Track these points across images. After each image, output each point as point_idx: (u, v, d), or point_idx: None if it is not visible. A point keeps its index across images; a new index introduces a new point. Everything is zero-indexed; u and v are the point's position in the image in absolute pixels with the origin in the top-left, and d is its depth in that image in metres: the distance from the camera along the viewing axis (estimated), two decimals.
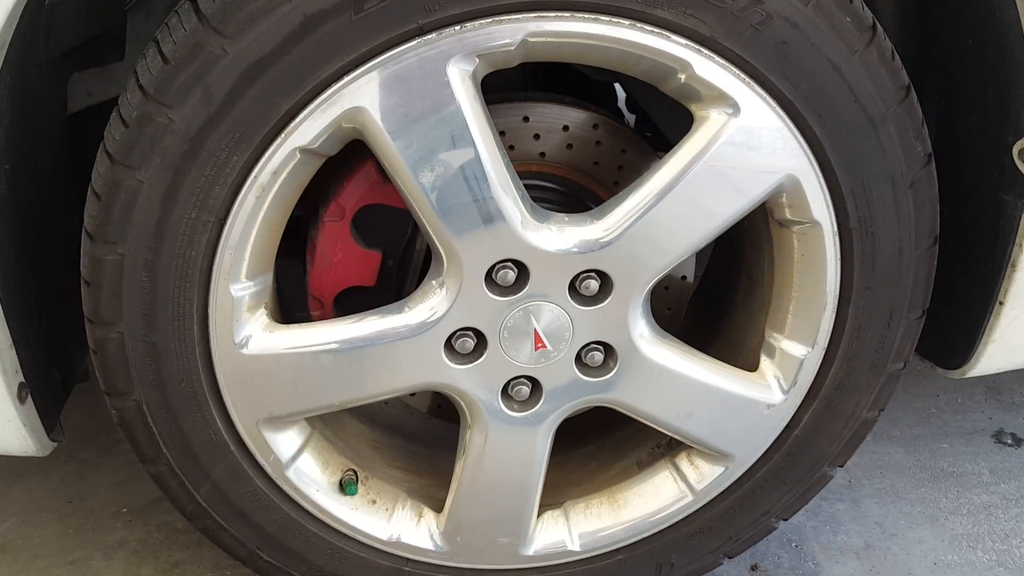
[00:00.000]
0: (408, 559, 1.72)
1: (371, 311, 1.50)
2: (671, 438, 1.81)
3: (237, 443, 1.53)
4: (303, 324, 1.49)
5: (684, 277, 1.80)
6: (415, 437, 1.95)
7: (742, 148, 1.42)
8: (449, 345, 1.52)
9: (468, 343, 1.51)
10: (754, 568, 2.03)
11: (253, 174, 1.34)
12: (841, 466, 1.76)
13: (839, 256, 1.54)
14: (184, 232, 1.35)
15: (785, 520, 1.81)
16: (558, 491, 1.83)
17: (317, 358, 1.47)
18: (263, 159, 1.33)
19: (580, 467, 1.91)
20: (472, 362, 1.54)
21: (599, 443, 1.98)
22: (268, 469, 1.57)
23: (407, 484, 1.77)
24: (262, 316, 1.46)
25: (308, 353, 1.47)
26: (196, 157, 1.31)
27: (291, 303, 1.70)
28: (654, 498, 1.77)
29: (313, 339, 1.47)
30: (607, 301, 1.51)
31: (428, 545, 1.71)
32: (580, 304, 1.51)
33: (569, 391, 1.59)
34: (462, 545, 1.72)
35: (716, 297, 1.91)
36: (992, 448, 2.37)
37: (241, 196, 1.35)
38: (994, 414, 2.49)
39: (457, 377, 1.54)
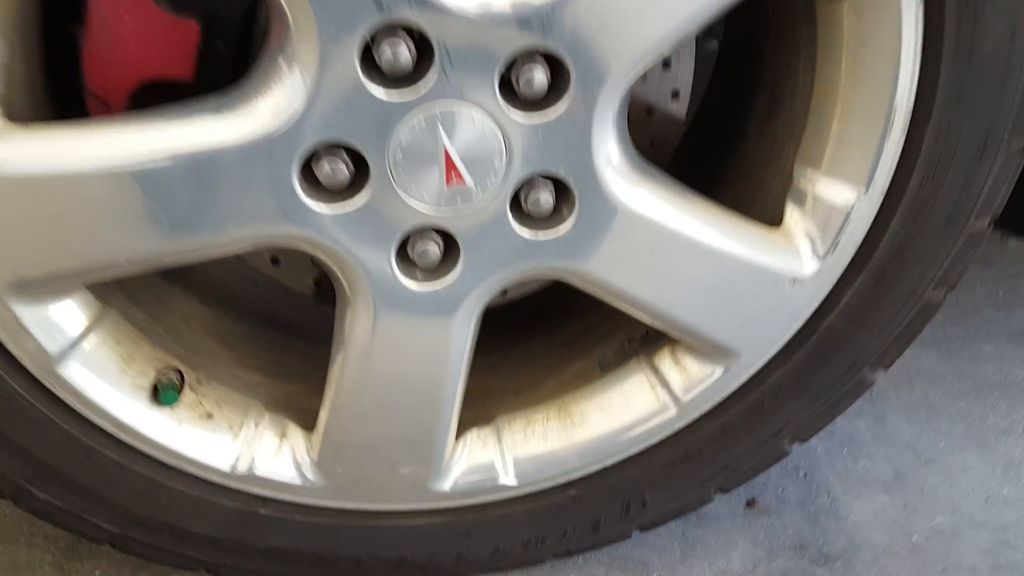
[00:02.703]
0: (265, 498, 1.19)
1: (172, 106, 0.92)
2: (648, 329, 1.28)
3: None
4: (59, 125, 0.91)
5: (676, 94, 1.23)
6: (290, 327, 1.39)
7: None
8: (308, 172, 0.95)
9: (338, 170, 0.94)
10: (751, 504, 1.54)
11: None
12: (886, 368, 1.25)
13: (920, 41, 0.99)
14: None
15: (801, 443, 1.31)
16: (488, 402, 1.31)
17: (84, 185, 0.90)
18: None
19: (521, 370, 1.38)
20: (345, 201, 0.97)
21: (548, 338, 1.44)
22: (27, 363, 1.00)
23: (266, 391, 1.22)
24: None
25: (68, 176, 0.89)
26: None
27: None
28: (623, 412, 1.25)
29: (75, 153, 0.89)
30: (561, 106, 0.95)
31: (294, 478, 1.18)
32: (519, 110, 0.95)
33: (501, 254, 1.04)
34: (344, 478, 1.19)
35: (721, 126, 1.35)
36: None
37: None
38: None
39: (323, 225, 0.98)
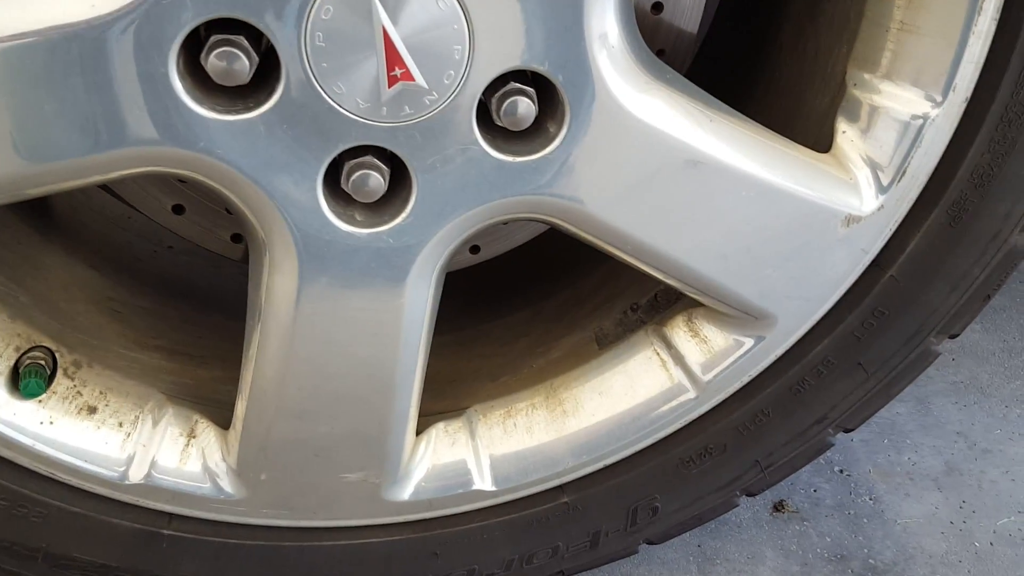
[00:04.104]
0: (170, 514, 0.92)
1: None
2: (657, 293, 1.03)
3: None
4: None
5: None
6: (214, 300, 1.12)
7: None
8: (194, 65, 0.69)
9: (234, 59, 0.68)
10: (778, 507, 1.28)
11: None
12: (954, 336, 0.99)
13: None
14: None
15: (847, 431, 1.05)
16: (458, 389, 1.05)
17: None
18: None
19: (498, 350, 1.12)
20: (246, 105, 0.71)
21: (530, 309, 1.18)
22: None
23: (171, 378, 0.95)
24: None
25: None
26: None
27: None
28: (627, 396, 0.99)
29: None
30: None
31: (206, 488, 0.91)
32: None
33: (466, 184, 0.78)
34: (272, 487, 0.92)
35: (745, 30, 1.08)
36: None
37: None
38: None
39: (217, 141, 0.71)
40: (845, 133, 0.87)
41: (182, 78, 0.69)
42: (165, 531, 0.92)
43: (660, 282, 1.01)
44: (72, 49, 0.66)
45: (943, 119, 0.83)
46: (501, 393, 1.03)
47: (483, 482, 0.99)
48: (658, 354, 0.99)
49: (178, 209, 1.03)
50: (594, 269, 1.15)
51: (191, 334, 1.04)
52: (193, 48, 0.69)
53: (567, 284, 1.17)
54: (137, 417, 0.89)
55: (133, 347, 0.96)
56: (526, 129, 0.76)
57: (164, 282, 1.10)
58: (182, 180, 1.01)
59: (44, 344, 0.86)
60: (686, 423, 0.99)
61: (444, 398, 1.03)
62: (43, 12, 0.65)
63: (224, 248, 1.07)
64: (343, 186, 0.77)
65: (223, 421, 0.93)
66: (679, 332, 0.98)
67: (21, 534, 0.88)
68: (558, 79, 0.74)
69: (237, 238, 1.06)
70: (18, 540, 0.88)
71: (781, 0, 1.02)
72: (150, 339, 0.98)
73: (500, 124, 0.76)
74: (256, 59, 0.69)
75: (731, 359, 0.95)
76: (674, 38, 0.98)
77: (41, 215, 0.99)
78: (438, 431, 0.99)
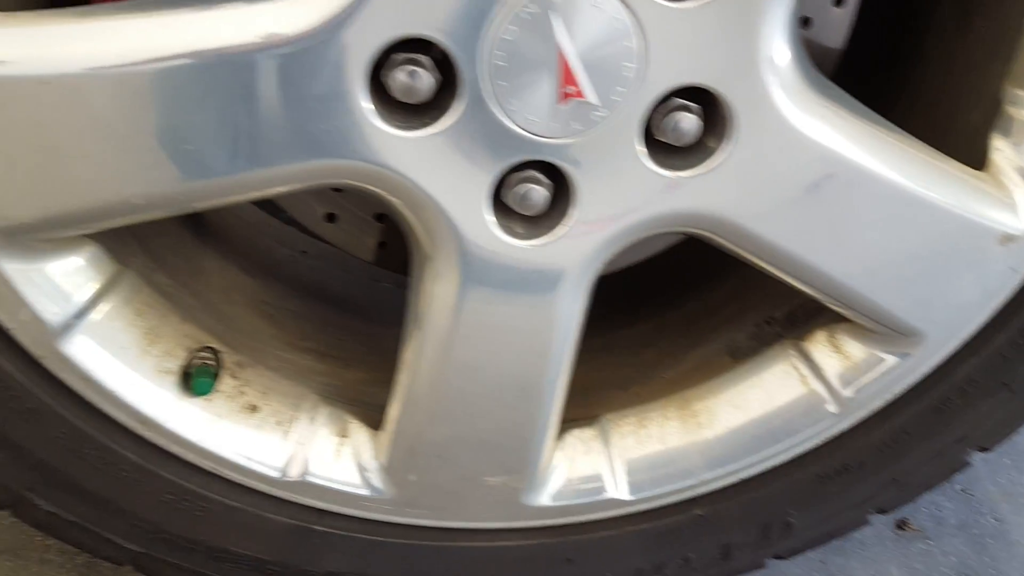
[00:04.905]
0: (321, 511, 0.95)
1: None
2: (793, 307, 1.03)
3: None
4: (54, 13, 0.68)
5: (840, 0, 0.97)
6: (350, 304, 1.16)
7: None
8: (376, 83, 0.72)
9: (418, 78, 0.71)
10: (901, 526, 1.27)
11: None
12: None
13: None
14: None
15: (983, 451, 1.03)
16: (589, 397, 1.06)
17: (84, 91, 0.67)
18: None
19: (626, 359, 1.13)
20: (425, 122, 0.74)
21: (656, 319, 1.19)
22: (21, 337, 0.78)
23: (323, 380, 0.99)
24: None
25: (63, 80, 0.67)
26: None
27: None
28: (763, 410, 0.99)
29: (74, 49, 0.67)
30: None
31: (358, 486, 0.94)
32: None
33: (628, 198, 0.79)
34: (418, 488, 0.95)
35: (891, 42, 1.08)
36: None
37: None
38: None
39: (395, 155, 0.74)
40: (1001, 151, 0.86)
41: (366, 95, 0.72)
42: (316, 527, 0.96)
43: (797, 296, 1.01)
44: (267, 67, 0.69)
45: None
46: (633, 403, 1.05)
47: (617, 491, 1.00)
48: (797, 369, 0.99)
49: (330, 217, 1.07)
50: (722, 282, 1.16)
51: (334, 336, 1.08)
52: (378, 64, 0.72)
53: (693, 296, 1.18)
54: (294, 416, 0.93)
55: (286, 349, 1.00)
56: (689, 144, 0.78)
57: (304, 286, 1.14)
58: (337, 189, 1.05)
59: (211, 345, 0.90)
60: (825, 439, 0.99)
61: (575, 406, 1.05)
62: (241, 27, 0.69)
63: (365, 252, 1.11)
64: (505, 199, 0.80)
65: (371, 422, 0.96)
66: (820, 347, 0.97)
67: (184, 527, 0.92)
68: (726, 96, 0.75)
69: (383, 245, 1.09)
70: (180, 533, 0.93)
71: (926, 14, 1.01)
72: (300, 341, 1.02)
73: (661, 139, 0.78)
74: (438, 77, 0.72)
75: (875, 376, 0.95)
76: (820, 53, 0.98)
77: (195, 220, 1.04)
78: (573, 439, 1.01)
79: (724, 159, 0.78)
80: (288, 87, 0.70)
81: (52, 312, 0.78)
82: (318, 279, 1.18)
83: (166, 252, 0.93)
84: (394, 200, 0.79)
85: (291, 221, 1.07)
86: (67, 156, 0.69)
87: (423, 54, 0.71)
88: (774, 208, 0.81)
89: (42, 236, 0.75)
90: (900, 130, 0.83)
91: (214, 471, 0.90)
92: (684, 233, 0.86)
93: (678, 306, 1.17)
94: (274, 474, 0.91)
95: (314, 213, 1.06)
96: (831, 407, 0.97)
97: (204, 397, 0.88)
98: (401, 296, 1.26)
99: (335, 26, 0.68)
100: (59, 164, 0.69)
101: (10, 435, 0.83)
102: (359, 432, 0.95)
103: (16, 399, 0.81)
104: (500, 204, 0.80)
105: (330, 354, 1.04)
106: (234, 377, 0.91)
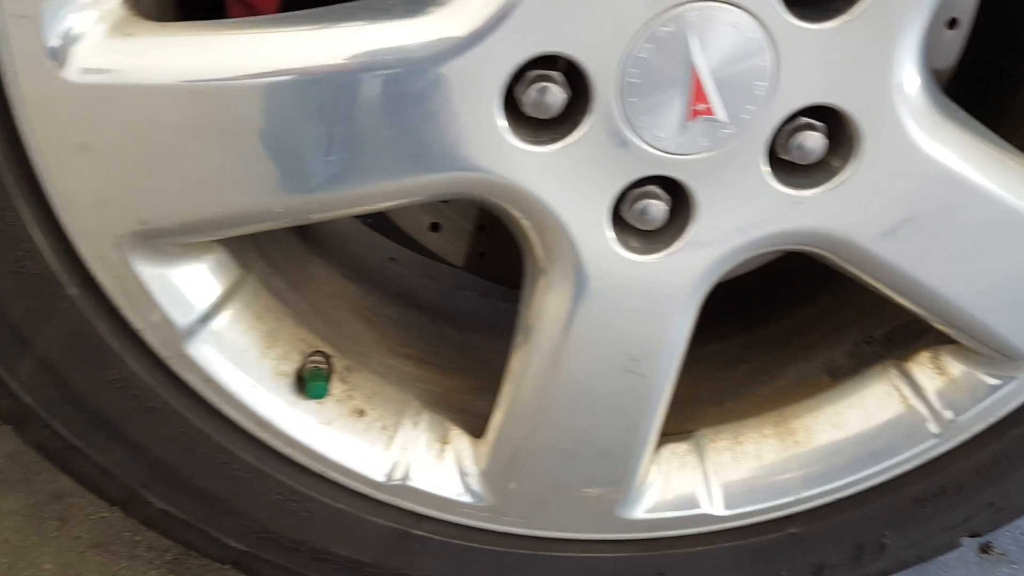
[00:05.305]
0: (420, 515, 0.96)
1: (334, 9, 0.70)
2: (893, 327, 1.02)
3: (80, 281, 0.77)
4: (205, 25, 0.70)
5: (953, 22, 0.96)
6: (441, 311, 1.18)
7: None
8: (510, 97, 0.73)
9: (551, 93, 0.72)
10: (985, 550, 1.25)
11: None
12: None
13: None
14: None
15: None
16: (681, 411, 1.06)
17: (232, 100, 0.69)
18: None
19: (716, 375, 1.13)
20: (558, 139, 0.75)
21: (745, 335, 1.19)
22: (149, 338, 0.80)
23: (422, 387, 1.00)
24: None
25: (213, 89, 0.69)
26: None
27: None
28: (864, 431, 0.99)
29: (213, 56, 0.69)
30: (859, 7, 0.70)
31: (459, 493, 0.95)
32: (799, 13, 0.71)
33: (747, 215, 0.80)
34: (517, 497, 0.96)
35: (1000, 63, 1.07)
36: None
37: None
38: None
39: (523, 169, 0.75)
40: None
41: (500, 111, 0.73)
42: (415, 531, 0.97)
43: (897, 315, 1.01)
44: (408, 83, 0.71)
45: None
46: (727, 419, 1.05)
47: (712, 506, 1.00)
48: (899, 389, 0.98)
49: (434, 226, 1.08)
50: (815, 299, 1.15)
51: (429, 343, 1.09)
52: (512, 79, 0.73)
53: (785, 312, 1.17)
54: (398, 421, 0.94)
55: (388, 354, 1.01)
56: (812, 163, 0.78)
57: (397, 293, 1.15)
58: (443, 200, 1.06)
59: (322, 349, 0.92)
60: (925, 461, 0.98)
61: (669, 420, 1.05)
62: (390, 40, 0.70)
63: (462, 256, 1.12)
64: (622, 213, 0.81)
65: (471, 429, 0.97)
66: (923, 368, 0.97)
67: (289, 527, 0.94)
68: (855, 116, 0.75)
69: (482, 255, 1.11)
70: (285, 533, 0.94)
71: None
72: (400, 347, 1.04)
73: (784, 156, 0.78)
74: (570, 93, 0.73)
75: (980, 399, 0.94)
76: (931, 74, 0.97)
77: (303, 227, 1.06)
78: (668, 453, 1.01)
79: (848, 178, 0.78)
80: (425, 102, 0.71)
81: (181, 314, 0.80)
82: (408, 286, 1.20)
83: (281, 257, 0.94)
84: (513, 212, 0.80)
85: (395, 230, 1.09)
86: (209, 163, 0.71)
87: (553, 69, 0.72)
88: (895, 229, 0.80)
89: (176, 240, 0.77)
90: (1021, 153, 0.83)
91: (321, 473, 0.91)
92: (798, 251, 0.86)
93: (769, 322, 1.17)
94: (379, 477, 0.93)
95: (420, 222, 1.07)
96: (932, 429, 0.96)
97: (316, 400, 0.89)
98: (487, 305, 1.28)
99: (477, 43, 0.69)
100: (201, 171, 0.71)
101: (130, 433, 0.85)
102: (460, 439, 0.97)
103: (138, 398, 0.83)
104: (616, 218, 0.81)
105: (428, 361, 1.05)
106: (343, 381, 0.92)
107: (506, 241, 0.93)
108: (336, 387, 0.91)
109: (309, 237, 1.06)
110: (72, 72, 0.66)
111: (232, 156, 0.70)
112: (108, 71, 0.66)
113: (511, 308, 1.15)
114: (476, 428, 0.98)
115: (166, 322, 0.79)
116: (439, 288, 1.23)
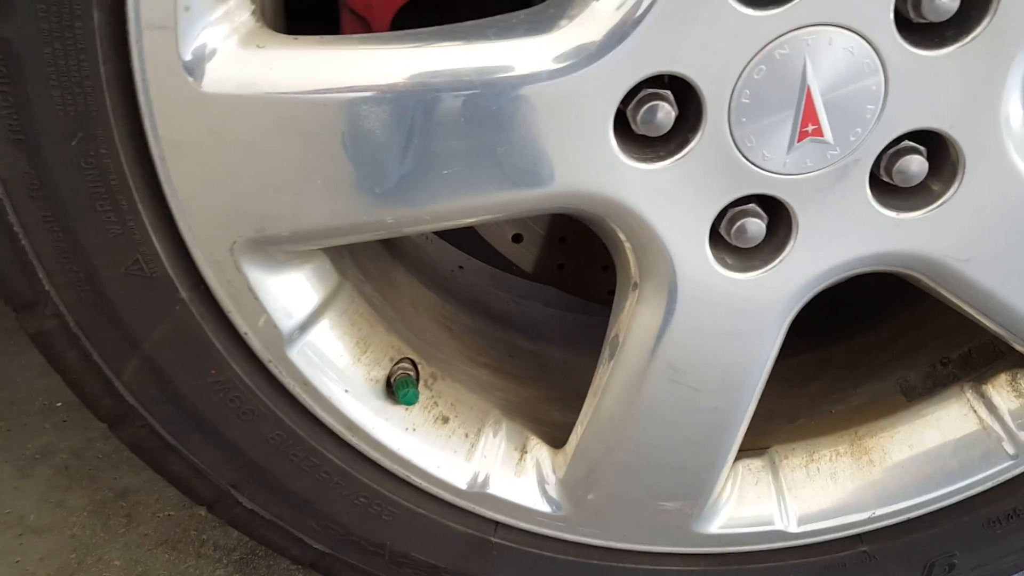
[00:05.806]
0: (498, 523, 0.97)
1: (458, 27, 0.72)
2: (970, 348, 1.03)
3: (193, 284, 0.78)
4: (320, 39, 0.72)
5: None
6: (510, 321, 1.19)
7: None
8: (621, 116, 0.74)
9: (661, 112, 0.73)
10: None
11: None
12: None
13: None
14: None
15: None
16: (755, 428, 1.06)
17: (359, 113, 0.70)
18: None
19: (790, 392, 1.14)
20: (667, 156, 0.76)
21: (818, 353, 1.19)
22: (253, 341, 0.82)
23: (501, 395, 1.01)
24: (237, 10, 0.69)
25: (335, 100, 0.70)
26: None
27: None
28: (939, 451, 1.00)
29: (342, 70, 0.70)
30: (973, 36, 0.71)
31: (537, 502, 0.96)
32: (913, 40, 0.72)
33: (846, 237, 0.81)
34: (594, 507, 0.97)
35: None
36: None
37: None
38: None
39: (628, 182, 0.76)
40: None
41: (612, 129, 0.74)
42: (492, 538, 0.98)
43: (973, 337, 1.02)
44: (526, 99, 0.72)
45: None
46: (801, 436, 1.05)
47: (784, 523, 1.00)
48: (975, 411, 0.99)
49: (517, 238, 1.09)
50: (887, 318, 1.16)
51: (504, 353, 1.10)
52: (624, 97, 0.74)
53: (856, 331, 1.18)
54: (479, 429, 0.95)
55: (467, 363, 1.02)
56: (913, 187, 0.79)
57: (469, 301, 1.17)
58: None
59: (409, 356, 0.93)
60: (999, 482, 0.98)
61: (744, 437, 1.06)
62: (512, 59, 0.71)
63: (530, 264, 1.13)
64: (719, 230, 0.82)
65: (548, 439, 0.98)
66: (1001, 390, 0.98)
67: (371, 530, 0.95)
68: (959, 141, 0.76)
69: (562, 266, 1.12)
70: (367, 536, 0.95)
71: None
72: (478, 356, 1.05)
73: (884, 179, 0.79)
74: (677, 112, 0.74)
75: None
76: None
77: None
78: (742, 469, 1.02)
79: (948, 202, 0.79)
80: (540, 119, 0.72)
81: (285, 318, 0.81)
82: (476, 295, 1.21)
83: (370, 265, 0.96)
84: (613, 226, 0.81)
85: (480, 240, 1.10)
86: (332, 174, 0.72)
87: (668, 89, 0.74)
88: (992, 254, 0.81)
89: (287, 248, 0.78)
90: None
91: (405, 478, 0.93)
92: (889, 272, 0.87)
93: (840, 340, 1.18)
94: (460, 484, 0.94)
95: (504, 234, 1.09)
96: (1009, 450, 0.97)
97: (405, 406, 0.90)
98: (553, 315, 1.29)
99: (597, 62, 0.70)
100: (322, 181, 0.72)
101: (227, 434, 0.86)
102: (539, 448, 0.98)
103: (238, 400, 0.84)
104: (714, 234, 0.82)
105: (504, 370, 1.06)
106: (428, 388, 0.93)
107: (586, 254, 0.95)
108: (422, 394, 0.92)
109: (390, 245, 1.07)
110: (205, 82, 0.67)
111: (354, 167, 0.71)
112: (239, 81, 0.68)
113: (577, 319, 1.16)
114: (552, 438, 0.99)
115: (271, 326, 0.81)
116: (504, 298, 1.24)
